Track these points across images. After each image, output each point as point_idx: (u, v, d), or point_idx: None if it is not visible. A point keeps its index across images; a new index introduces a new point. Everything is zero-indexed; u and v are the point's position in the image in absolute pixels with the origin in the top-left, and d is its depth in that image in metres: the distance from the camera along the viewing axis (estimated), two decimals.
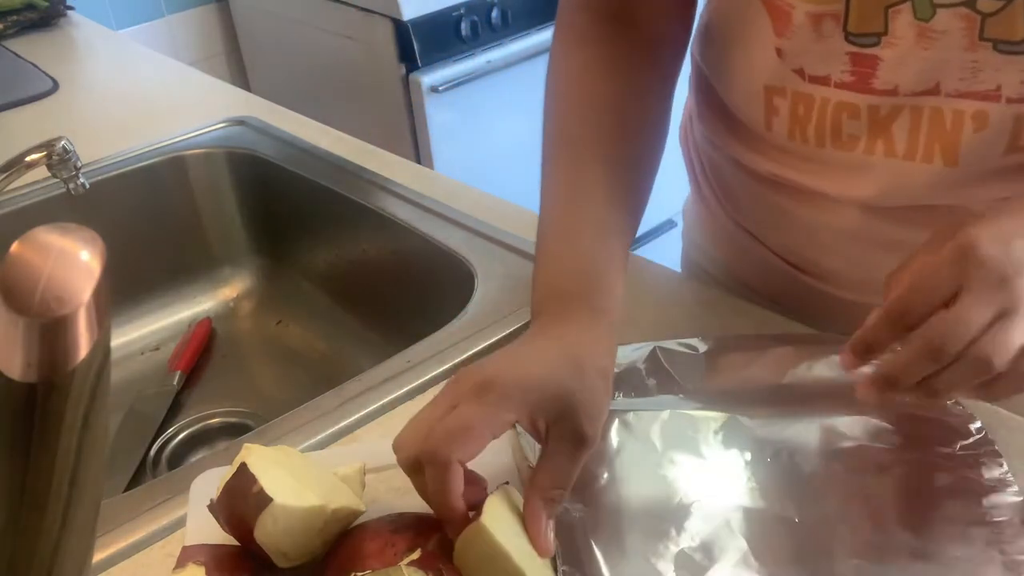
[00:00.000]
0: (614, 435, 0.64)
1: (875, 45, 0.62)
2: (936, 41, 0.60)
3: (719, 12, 0.73)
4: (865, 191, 0.68)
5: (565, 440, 0.53)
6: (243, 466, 0.52)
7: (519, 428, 0.65)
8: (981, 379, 0.50)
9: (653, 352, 0.70)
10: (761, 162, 0.74)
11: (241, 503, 0.52)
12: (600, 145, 0.65)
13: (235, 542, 0.54)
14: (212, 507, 0.55)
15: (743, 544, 0.55)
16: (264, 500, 0.50)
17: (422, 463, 0.51)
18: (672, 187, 0.92)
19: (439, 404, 0.53)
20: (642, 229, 0.68)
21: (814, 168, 0.70)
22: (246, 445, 0.55)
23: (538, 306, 0.61)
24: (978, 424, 0.61)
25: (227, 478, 0.53)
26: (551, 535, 0.53)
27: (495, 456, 0.63)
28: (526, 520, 0.52)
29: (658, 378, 0.68)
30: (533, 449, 0.63)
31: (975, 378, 0.50)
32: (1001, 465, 0.58)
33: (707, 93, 0.78)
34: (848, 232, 0.72)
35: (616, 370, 0.69)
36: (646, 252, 0.90)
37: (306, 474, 0.54)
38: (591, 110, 0.67)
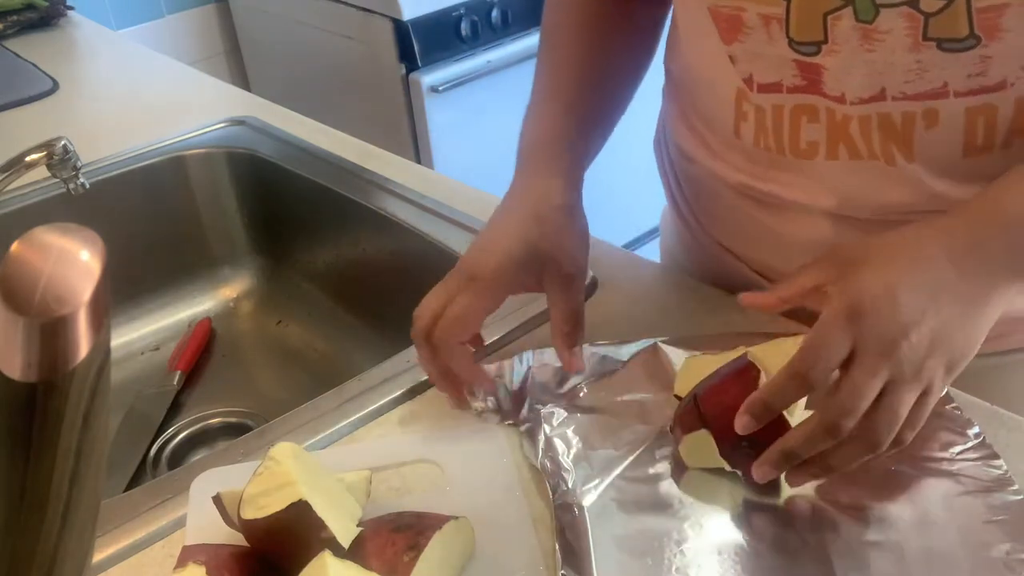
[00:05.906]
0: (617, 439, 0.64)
1: (816, 54, 0.61)
2: (880, 43, 0.59)
3: (679, 20, 0.73)
4: (831, 200, 0.68)
5: (555, 285, 0.65)
6: (306, 504, 0.51)
7: (522, 429, 0.65)
8: (872, 454, 0.53)
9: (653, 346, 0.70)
10: (731, 172, 0.74)
11: (299, 537, 0.51)
12: (585, 51, 0.79)
13: (234, 542, 0.54)
14: (217, 499, 0.55)
15: (741, 539, 0.56)
16: (335, 548, 0.51)
17: (432, 343, 0.64)
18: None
19: (446, 288, 0.65)
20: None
21: (780, 176, 0.70)
22: (281, 444, 0.54)
23: (517, 165, 0.71)
24: (976, 430, 0.61)
25: (255, 486, 0.52)
26: (579, 358, 0.65)
27: (495, 456, 0.63)
28: (558, 351, 0.65)
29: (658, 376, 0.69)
30: (535, 451, 0.63)
31: (867, 453, 0.53)
32: (1000, 466, 0.59)
33: (680, 103, 0.79)
34: (820, 245, 0.70)
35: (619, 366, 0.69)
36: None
37: (316, 483, 0.54)
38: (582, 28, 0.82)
